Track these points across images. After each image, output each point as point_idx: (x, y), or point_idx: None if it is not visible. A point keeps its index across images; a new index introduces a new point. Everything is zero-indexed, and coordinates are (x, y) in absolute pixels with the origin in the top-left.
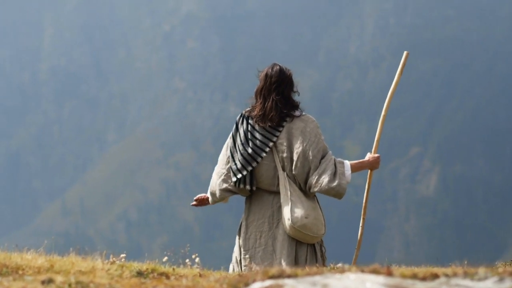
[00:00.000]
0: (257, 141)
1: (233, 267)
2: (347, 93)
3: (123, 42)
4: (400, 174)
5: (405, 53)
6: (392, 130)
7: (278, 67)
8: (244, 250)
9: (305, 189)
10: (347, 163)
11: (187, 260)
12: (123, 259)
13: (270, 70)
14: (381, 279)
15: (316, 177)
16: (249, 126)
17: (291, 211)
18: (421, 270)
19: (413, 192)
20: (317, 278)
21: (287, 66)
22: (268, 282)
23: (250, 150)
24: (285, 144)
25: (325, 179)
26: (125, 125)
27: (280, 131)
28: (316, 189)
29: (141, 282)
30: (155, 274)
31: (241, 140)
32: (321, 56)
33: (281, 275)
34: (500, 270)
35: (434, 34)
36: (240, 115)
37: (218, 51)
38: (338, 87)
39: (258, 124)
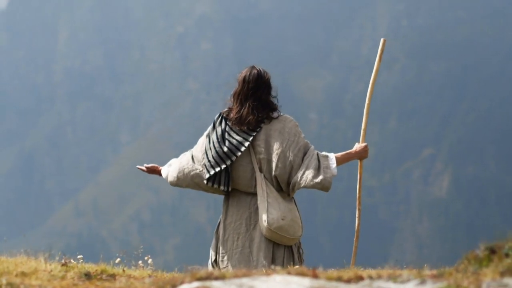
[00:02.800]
0: (234, 141)
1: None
2: (359, 94)
3: (137, 44)
4: (412, 176)
5: (382, 40)
6: (405, 132)
7: (256, 71)
8: (222, 252)
9: (287, 189)
10: (332, 156)
11: (140, 262)
12: (81, 260)
13: (248, 75)
14: (306, 281)
15: (300, 174)
16: (227, 126)
17: (267, 213)
18: (347, 273)
19: (426, 193)
20: (244, 280)
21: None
22: (195, 284)
23: (225, 149)
24: (262, 145)
25: (309, 175)
26: (138, 126)
27: (257, 132)
28: (301, 186)
29: (73, 283)
30: (104, 275)
31: (217, 139)
32: (334, 58)
33: (209, 277)
34: (426, 273)
35: (446, 36)
36: (218, 114)
37: (231, 53)
38: (351, 89)
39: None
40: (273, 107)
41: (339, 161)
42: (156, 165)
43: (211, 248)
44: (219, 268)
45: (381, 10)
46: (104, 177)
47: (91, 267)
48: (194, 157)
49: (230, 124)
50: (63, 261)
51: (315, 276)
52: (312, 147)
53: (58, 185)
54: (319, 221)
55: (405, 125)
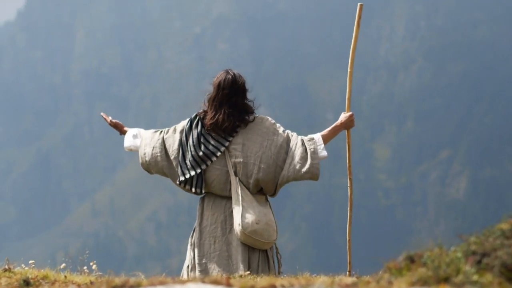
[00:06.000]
0: (210, 146)
1: (181, 274)
2: (376, 95)
3: (154, 44)
4: (430, 177)
5: (358, 5)
6: (422, 133)
7: (230, 76)
8: (199, 256)
9: (273, 188)
10: (318, 136)
11: (84, 267)
12: (32, 266)
13: (222, 80)
14: None
15: (287, 167)
16: (203, 129)
17: (241, 217)
18: (261, 281)
19: (443, 195)
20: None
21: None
22: None
23: (201, 153)
24: (239, 149)
25: (296, 166)
26: (155, 126)
27: (233, 136)
28: (290, 179)
29: None
30: (45, 281)
31: (193, 142)
32: None
33: (124, 285)
34: (342, 280)
35: (464, 37)
36: (195, 115)
37: (248, 53)
38: (368, 90)
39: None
40: (249, 111)
41: (327, 138)
42: (121, 123)
43: (186, 254)
44: (194, 273)
45: (399, 11)
46: (121, 177)
47: (33, 273)
48: (167, 149)
49: (205, 128)
50: (6, 267)
51: (228, 284)
52: (295, 135)
53: (74, 185)
54: (336, 221)
55: (422, 126)
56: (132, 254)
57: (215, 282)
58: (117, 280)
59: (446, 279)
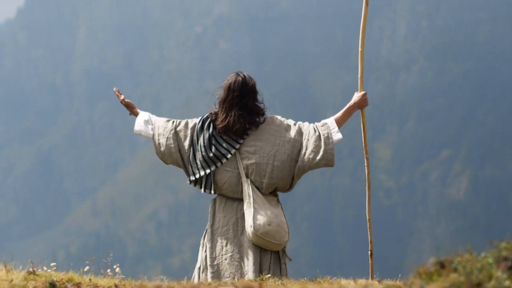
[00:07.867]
0: (220, 147)
1: (193, 276)
2: (378, 95)
3: (155, 43)
4: (431, 177)
5: None
6: (423, 133)
7: (240, 78)
8: (210, 258)
9: (289, 183)
10: (331, 121)
11: (108, 270)
12: (54, 269)
13: (232, 83)
14: None
15: (302, 157)
16: (215, 131)
17: (253, 218)
18: (292, 285)
19: (444, 195)
20: None
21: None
22: None
23: (211, 154)
24: (252, 151)
25: (310, 155)
26: None
27: (244, 139)
28: (306, 169)
29: None
30: (70, 284)
31: (204, 142)
32: (353, 58)
33: None
34: (371, 284)
35: (466, 37)
36: (207, 116)
37: (250, 53)
38: (370, 90)
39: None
40: (259, 113)
41: (341, 120)
42: (133, 104)
43: (198, 256)
44: (205, 274)
45: (400, 11)
46: (122, 176)
47: (58, 276)
48: (179, 142)
49: (217, 130)
50: (30, 269)
51: None
52: (307, 124)
53: (76, 184)
54: (336, 221)
55: (423, 126)
56: (132, 254)
57: (247, 286)
58: (150, 285)
59: (478, 285)
